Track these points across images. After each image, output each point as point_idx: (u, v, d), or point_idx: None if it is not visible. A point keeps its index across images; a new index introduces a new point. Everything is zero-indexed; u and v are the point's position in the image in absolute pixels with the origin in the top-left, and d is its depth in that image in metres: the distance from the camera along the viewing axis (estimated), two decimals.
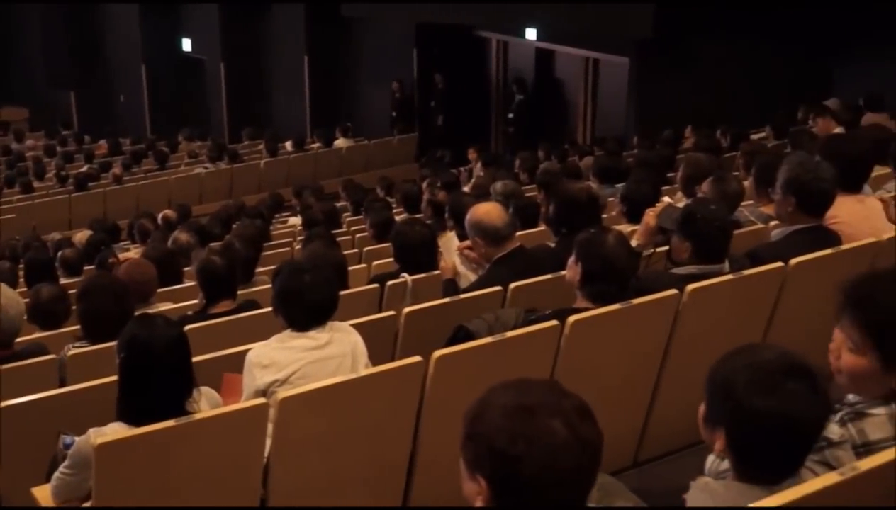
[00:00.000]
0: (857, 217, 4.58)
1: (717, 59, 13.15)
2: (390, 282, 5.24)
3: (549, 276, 4.54)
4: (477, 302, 4.43)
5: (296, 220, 11.28)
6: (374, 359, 3.88)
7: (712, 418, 2.22)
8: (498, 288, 4.51)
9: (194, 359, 3.49)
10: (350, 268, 5.89)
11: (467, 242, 5.16)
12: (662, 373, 4.01)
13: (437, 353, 3.42)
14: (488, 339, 3.57)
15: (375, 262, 6.59)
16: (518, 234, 5.40)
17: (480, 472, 1.90)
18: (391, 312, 4.47)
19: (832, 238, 4.34)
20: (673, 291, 3.81)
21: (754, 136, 11.27)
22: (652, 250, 4.59)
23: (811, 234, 4.32)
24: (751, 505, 1.89)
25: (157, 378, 3.32)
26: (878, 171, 5.98)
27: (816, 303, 3.61)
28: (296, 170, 15.96)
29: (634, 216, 5.18)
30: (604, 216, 6.26)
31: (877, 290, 2.37)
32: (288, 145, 16.73)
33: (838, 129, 9.15)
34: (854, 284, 2.42)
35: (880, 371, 2.29)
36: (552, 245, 5.05)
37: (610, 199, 6.97)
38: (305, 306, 3.78)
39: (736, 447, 2.17)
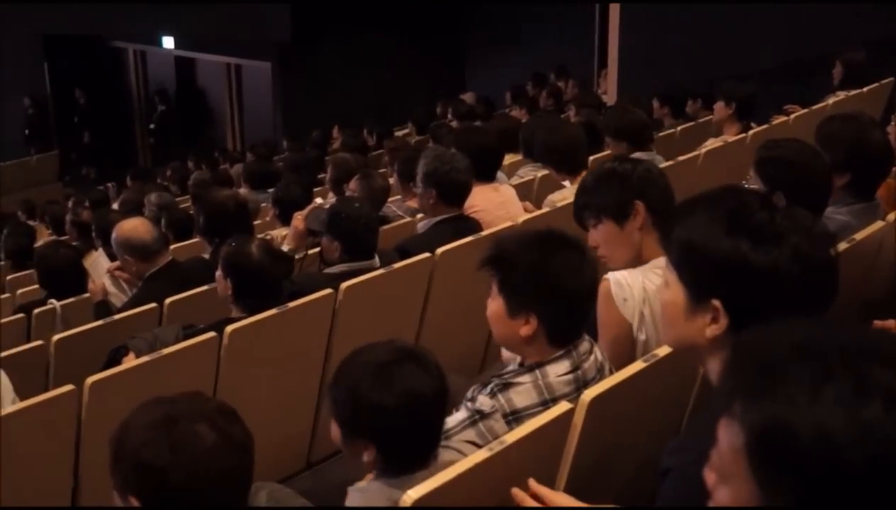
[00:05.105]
0: (493, 204, 4.88)
1: (359, 58, 13.45)
2: (37, 311, 4.97)
3: (205, 288, 4.46)
4: (132, 321, 4.28)
5: None
6: (25, 393, 3.64)
7: (349, 432, 2.25)
8: (153, 305, 4.38)
9: None
10: None
11: (117, 263, 4.98)
12: (326, 372, 4.05)
13: (90, 379, 3.27)
14: (144, 358, 3.46)
15: (20, 291, 6.21)
16: (174, 247, 5.28)
17: (132, 493, 1.86)
18: (39, 342, 4.22)
19: (473, 225, 4.59)
20: (328, 291, 3.85)
21: (398, 133, 11.66)
22: (304, 253, 4.63)
23: (453, 224, 4.53)
24: (407, 493, 1.92)
25: None
26: (510, 159, 6.40)
27: (464, 287, 3.80)
28: None
29: (287, 219, 5.21)
30: (257, 222, 6.25)
31: (507, 241, 2.58)
32: None
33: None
34: (495, 242, 2.62)
35: (506, 313, 2.49)
36: (206, 256, 4.97)
37: (263, 205, 6.97)
38: None
39: (382, 449, 2.21)
